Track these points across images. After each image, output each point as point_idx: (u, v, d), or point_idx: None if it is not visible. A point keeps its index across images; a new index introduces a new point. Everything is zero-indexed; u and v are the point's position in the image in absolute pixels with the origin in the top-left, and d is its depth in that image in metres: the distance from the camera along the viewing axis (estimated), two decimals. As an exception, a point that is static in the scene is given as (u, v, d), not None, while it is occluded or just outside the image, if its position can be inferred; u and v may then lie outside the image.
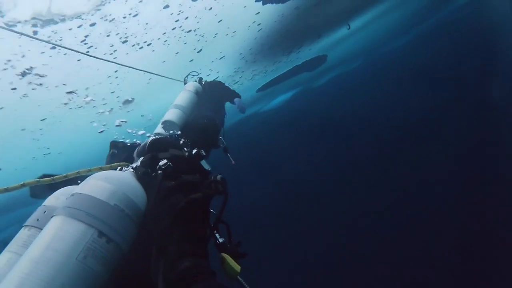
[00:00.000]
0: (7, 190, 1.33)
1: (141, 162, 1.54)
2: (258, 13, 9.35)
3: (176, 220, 1.27)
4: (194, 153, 1.77)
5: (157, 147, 1.70)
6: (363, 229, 11.59)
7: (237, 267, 1.35)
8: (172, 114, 2.94)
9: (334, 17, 13.52)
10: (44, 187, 1.56)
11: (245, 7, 8.57)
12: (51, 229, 1.09)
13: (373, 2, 14.61)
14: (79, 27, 5.94)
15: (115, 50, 7.27)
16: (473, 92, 14.27)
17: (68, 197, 1.21)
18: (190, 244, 1.21)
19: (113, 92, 9.62)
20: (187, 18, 7.61)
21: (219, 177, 1.54)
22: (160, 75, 4.65)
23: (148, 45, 7.90)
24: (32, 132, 9.48)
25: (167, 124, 2.82)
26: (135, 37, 7.24)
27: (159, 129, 2.74)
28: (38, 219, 1.35)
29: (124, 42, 7.19)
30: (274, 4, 9.33)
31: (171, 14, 7.12)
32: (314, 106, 30.98)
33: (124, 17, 6.30)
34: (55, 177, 1.50)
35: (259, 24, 10.24)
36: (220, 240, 1.50)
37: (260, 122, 34.96)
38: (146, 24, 6.98)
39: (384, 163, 14.51)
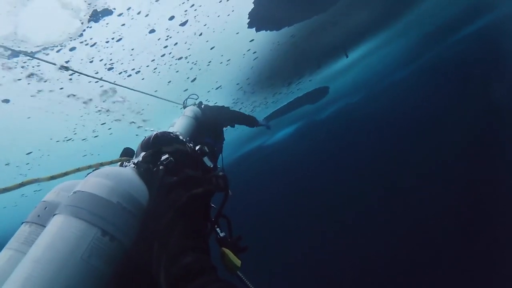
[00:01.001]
0: (5, 190, 1.25)
1: (143, 157, 1.53)
2: (252, 40, 9.15)
3: (177, 216, 1.27)
4: (198, 149, 1.80)
5: (162, 140, 1.71)
6: (369, 230, 12.50)
7: (237, 262, 1.38)
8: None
9: (332, 46, 13.37)
10: None
11: (237, 33, 8.36)
12: (53, 228, 1.09)
13: (371, 32, 14.55)
14: (58, 51, 5.65)
15: (101, 78, 6.96)
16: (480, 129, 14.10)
17: (70, 195, 1.20)
18: (191, 239, 1.21)
19: (103, 123, 9.29)
20: (176, 44, 7.37)
21: (220, 174, 1.59)
22: (160, 98, 4.60)
23: (137, 72, 7.62)
24: (17, 167, 9.08)
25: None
26: (121, 63, 6.96)
27: None
28: (39, 215, 1.33)
29: (110, 69, 6.90)
30: (268, 31, 9.14)
31: (158, 39, 6.87)
32: (319, 140, 30.70)
33: (107, 42, 6.03)
34: (54, 175, 1.43)
35: (254, 52, 10.03)
36: (221, 234, 1.54)
37: (265, 156, 34.60)
38: (132, 49, 6.72)
39: (390, 197, 14.27)
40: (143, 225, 1.30)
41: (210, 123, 3.38)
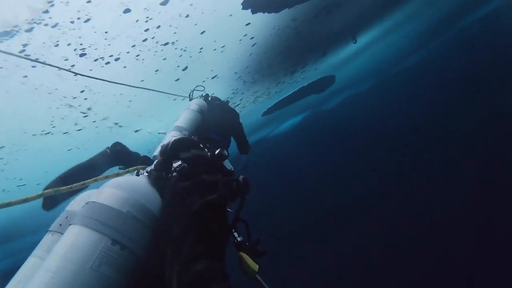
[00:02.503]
0: (26, 200, 1.31)
1: (154, 165, 1.55)
2: (249, 23, 8.21)
3: (190, 223, 1.28)
4: (217, 153, 1.74)
5: (180, 146, 1.68)
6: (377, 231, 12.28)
7: (255, 266, 1.37)
8: (172, 138, 2.43)
9: (339, 30, 12.34)
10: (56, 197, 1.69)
11: (231, 15, 7.43)
12: (66, 238, 1.12)
13: (379, 15, 13.47)
14: (12, 37, 4.82)
15: (72, 65, 6.13)
16: (494, 107, 13.67)
17: (83, 206, 1.25)
18: (204, 246, 1.22)
19: (86, 116, 8.50)
20: (159, 27, 6.48)
21: (241, 177, 1.56)
22: (163, 92, 4.07)
23: (116, 59, 6.76)
24: (-8, 162, 8.40)
25: None
26: (96, 49, 6.11)
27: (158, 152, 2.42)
28: (60, 225, 1.38)
29: (82, 55, 6.06)
30: (266, 13, 8.19)
31: (137, 21, 5.98)
32: (326, 130, 29.77)
33: (72, 22, 5.17)
34: (73, 185, 1.50)
35: (252, 37, 9.10)
36: (239, 239, 1.53)
37: (269, 148, 33.78)
38: (106, 32, 5.85)
39: (397, 190, 13.89)
40: (156, 233, 1.29)
41: (217, 118, 3.21)
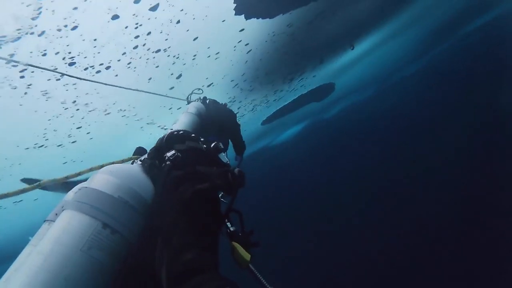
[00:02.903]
0: (23, 190, 1.35)
1: (148, 153, 1.58)
2: (243, 29, 8.12)
3: (181, 211, 1.27)
4: (213, 146, 1.74)
5: (175, 139, 1.70)
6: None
7: (247, 256, 1.36)
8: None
9: (336, 37, 12.25)
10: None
11: (223, 21, 7.34)
12: (58, 223, 1.14)
13: (377, 21, 13.40)
14: (-3, 44, 4.71)
15: (62, 76, 6.01)
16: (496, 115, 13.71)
17: (76, 191, 1.25)
18: (195, 235, 1.21)
19: (79, 127, 8.38)
20: (149, 33, 6.38)
21: (236, 170, 1.54)
22: (162, 95, 4.11)
23: (107, 68, 6.65)
24: (-15, 176, 8.24)
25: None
26: (85, 57, 6.00)
27: None
28: (56, 214, 1.31)
29: (72, 64, 5.95)
30: (261, 19, 8.11)
31: (126, 28, 5.88)
32: (327, 139, 29.61)
33: (59, 30, 5.06)
34: (68, 175, 1.52)
35: (247, 44, 9.00)
36: (232, 228, 1.50)
37: (272, 157, 33.59)
38: (95, 40, 5.75)
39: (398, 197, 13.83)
40: (148, 221, 1.30)
41: (215, 120, 3.14)
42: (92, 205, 1.16)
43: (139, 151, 1.88)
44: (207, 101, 3.42)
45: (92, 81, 2.99)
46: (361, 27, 12.65)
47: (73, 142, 8.90)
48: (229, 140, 3.52)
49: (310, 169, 26.36)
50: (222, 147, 1.80)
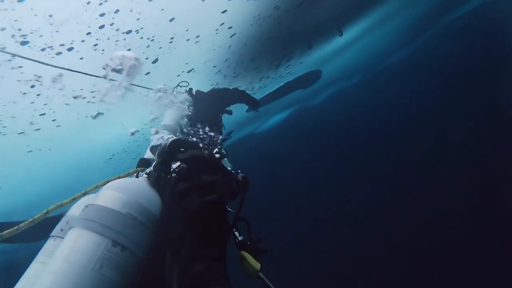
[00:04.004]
0: (33, 221, 1.29)
1: (153, 166, 1.56)
2: (225, 11, 7.38)
3: (189, 224, 1.26)
4: (215, 153, 1.79)
5: (177, 147, 1.68)
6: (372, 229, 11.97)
7: (257, 265, 1.36)
8: (168, 140, 2.28)
9: (324, 22, 11.58)
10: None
11: (203, 0, 6.59)
12: (68, 241, 1.14)
13: (367, 8, 12.78)
14: None
15: (13, 56, 5.22)
16: (484, 103, 13.66)
17: (83, 209, 1.26)
18: (204, 247, 1.20)
19: (42, 114, 7.58)
20: (117, 11, 5.61)
21: (240, 176, 1.53)
22: (145, 87, 3.78)
23: (70, 49, 5.86)
24: None
25: (156, 149, 2.24)
26: (40, 36, 5.20)
27: (148, 154, 2.29)
28: (62, 230, 1.38)
29: (24, 43, 5.15)
30: (245, -1, 7.39)
31: (88, 3, 5.10)
32: (314, 125, 29.21)
33: (1, 1, 4.26)
34: (75, 196, 1.45)
35: (230, 27, 8.27)
36: (240, 238, 1.55)
37: (256, 144, 33.10)
38: (50, 16, 4.95)
39: (389, 183, 13.70)
40: (156, 234, 1.29)
41: (204, 111, 3.15)
42: (101, 223, 1.14)
43: (143, 162, 1.86)
44: (194, 92, 3.48)
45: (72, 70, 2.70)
46: (350, 12, 11.99)
47: (36, 129, 8.10)
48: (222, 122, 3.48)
49: (295, 155, 26.07)
50: (225, 153, 1.82)
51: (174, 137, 1.83)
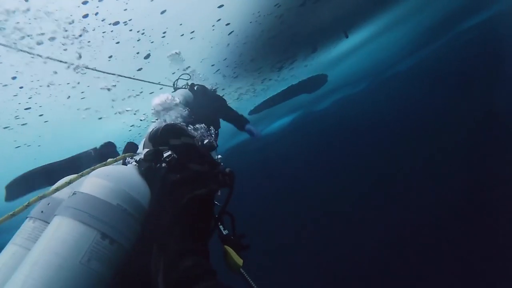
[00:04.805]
0: (13, 214, 1.16)
1: (144, 155, 1.45)
2: (222, 6, 7.02)
3: (178, 217, 1.25)
4: (206, 143, 1.73)
5: (170, 133, 1.65)
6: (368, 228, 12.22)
7: (239, 261, 1.38)
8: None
9: (330, 23, 11.16)
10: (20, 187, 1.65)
11: (197, -8, 6.24)
12: (53, 230, 1.08)
13: (375, 11, 12.36)
14: None
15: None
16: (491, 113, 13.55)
17: (70, 196, 1.19)
18: (192, 242, 1.20)
19: (28, 108, 7.25)
20: (101, 0, 5.25)
21: (227, 169, 1.56)
22: (145, 81, 4.10)
23: (51, 39, 5.52)
24: None
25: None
26: (17, 22, 4.85)
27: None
28: (42, 211, 1.31)
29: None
30: (243, -7, 7.01)
31: (68, -11, 4.76)
32: (319, 130, 28.78)
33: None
34: (58, 186, 1.29)
35: (228, 24, 7.90)
36: (224, 232, 1.56)
37: (260, 148, 32.66)
38: (26, 1, 4.61)
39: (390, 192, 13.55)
40: (143, 226, 1.25)
41: (203, 107, 2.98)
42: (90, 213, 1.09)
43: (130, 147, 1.76)
44: (195, 88, 3.34)
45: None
46: (357, 15, 11.58)
47: (23, 124, 7.77)
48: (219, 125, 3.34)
49: (298, 160, 25.63)
50: (216, 145, 1.78)
51: (169, 122, 1.78)
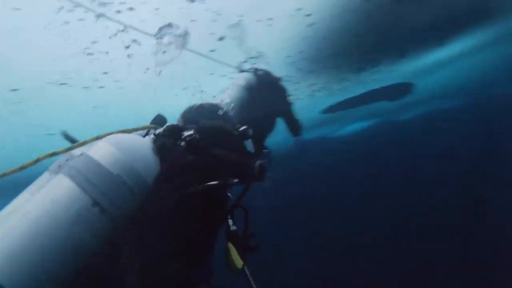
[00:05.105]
0: (22, 167, 1.21)
1: (164, 130, 1.40)
2: (304, -6, 6.66)
3: (178, 207, 1.16)
4: (241, 130, 1.59)
5: (204, 112, 1.57)
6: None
7: (239, 262, 1.28)
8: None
9: (424, 27, 10.08)
10: None
11: (277, -23, 5.96)
12: (50, 187, 1.09)
13: (478, 21, 10.84)
14: None
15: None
16: None
17: (78, 156, 1.18)
18: (179, 242, 1.11)
19: (105, 72, 7.73)
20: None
21: (258, 163, 1.38)
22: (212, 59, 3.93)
23: (130, 9, 5.71)
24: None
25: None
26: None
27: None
28: (59, 166, 1.28)
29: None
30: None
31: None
32: (397, 142, 27.02)
33: None
34: (72, 145, 1.31)
35: (309, 14, 7.51)
36: (232, 227, 1.42)
37: (330, 149, 31.74)
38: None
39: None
40: (141, 206, 1.18)
41: (264, 97, 2.75)
42: (86, 177, 1.08)
43: (158, 119, 1.66)
44: (260, 73, 3.08)
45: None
46: (456, 22, 10.23)
47: (100, 87, 8.35)
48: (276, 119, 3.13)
49: (368, 169, 24.47)
50: (251, 134, 1.64)
51: (206, 101, 1.71)
